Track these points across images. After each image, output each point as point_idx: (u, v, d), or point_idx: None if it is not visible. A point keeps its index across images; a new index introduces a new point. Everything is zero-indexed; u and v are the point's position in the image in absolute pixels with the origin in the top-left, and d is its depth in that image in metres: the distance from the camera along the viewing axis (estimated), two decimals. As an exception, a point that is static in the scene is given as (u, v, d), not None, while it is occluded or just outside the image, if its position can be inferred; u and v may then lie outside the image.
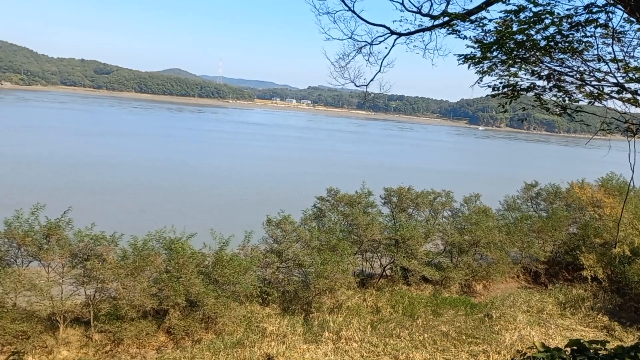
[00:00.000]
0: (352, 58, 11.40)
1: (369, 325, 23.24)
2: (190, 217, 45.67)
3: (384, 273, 30.16)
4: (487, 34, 8.13)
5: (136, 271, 20.21)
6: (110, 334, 19.73)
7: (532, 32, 7.43)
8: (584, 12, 6.82)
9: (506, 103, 8.55)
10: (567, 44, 7.35)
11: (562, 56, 7.70)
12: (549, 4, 6.92)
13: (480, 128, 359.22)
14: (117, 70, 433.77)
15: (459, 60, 9.30)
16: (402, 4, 9.92)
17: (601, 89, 7.54)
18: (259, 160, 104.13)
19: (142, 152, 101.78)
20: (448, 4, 8.86)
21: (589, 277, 30.46)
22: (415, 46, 10.60)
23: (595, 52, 7.25)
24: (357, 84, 11.97)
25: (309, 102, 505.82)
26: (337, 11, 10.58)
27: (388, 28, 10.44)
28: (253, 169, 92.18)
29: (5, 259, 20.45)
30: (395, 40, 10.59)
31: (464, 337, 22.98)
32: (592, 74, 7.62)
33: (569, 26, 7.06)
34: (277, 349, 19.91)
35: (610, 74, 7.30)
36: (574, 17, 6.91)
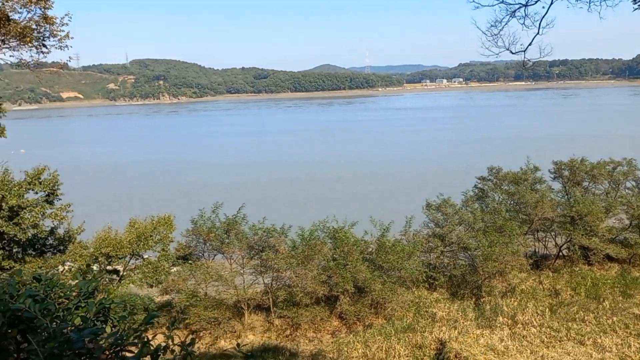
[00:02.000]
0: (506, 24, 10.57)
1: (547, 309, 21.62)
2: (350, 205, 46.95)
3: (561, 253, 27.87)
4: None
5: (306, 260, 21.33)
6: (288, 319, 21.12)
7: None
8: None
9: None
10: None
11: None
12: None
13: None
14: (273, 74, 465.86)
15: (636, 3, 8.16)
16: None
17: None
18: (410, 145, 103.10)
19: (298, 148, 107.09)
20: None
21: None
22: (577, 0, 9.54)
23: None
24: (513, 51, 11.08)
25: (461, 79, 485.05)
26: (484, -25, 9.93)
27: (544, -16, 9.55)
28: (404, 153, 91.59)
29: (195, 254, 23.08)
30: (554, -4, 9.66)
31: (663, 321, 20.27)
32: None
33: None
34: (449, 334, 19.50)
35: None
36: None
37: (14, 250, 22.60)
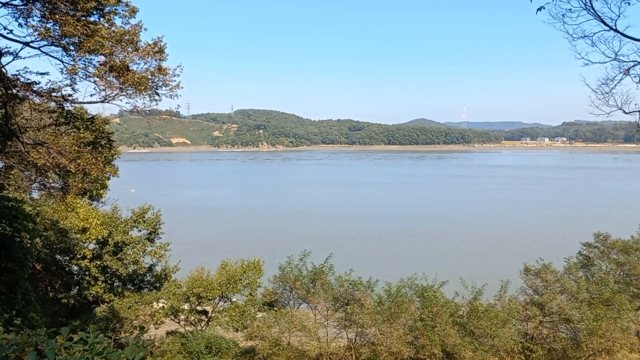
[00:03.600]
0: (619, 82, 9.95)
1: (663, 399, 19.12)
2: (440, 263, 45.38)
3: (680, 335, 24.73)
4: None
5: (392, 317, 20.61)
6: (370, 379, 20.32)
7: None
8: None
9: None
10: None
11: None
12: None
13: None
14: (368, 126, 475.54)
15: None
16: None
17: None
18: (506, 205, 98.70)
19: (389, 200, 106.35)
20: None
21: None
22: None
23: None
24: (627, 111, 10.34)
25: (564, 139, 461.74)
26: (595, 33, 9.42)
27: (663, 42, 8.93)
28: (500, 213, 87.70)
29: (280, 301, 23.18)
30: (674, 55, 9.00)
31: None
32: None
33: None
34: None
35: None
36: None
37: (115, 284, 24.03)
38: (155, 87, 11.79)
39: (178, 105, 15.08)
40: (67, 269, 23.12)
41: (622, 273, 25.85)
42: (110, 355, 4.22)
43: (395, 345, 19.82)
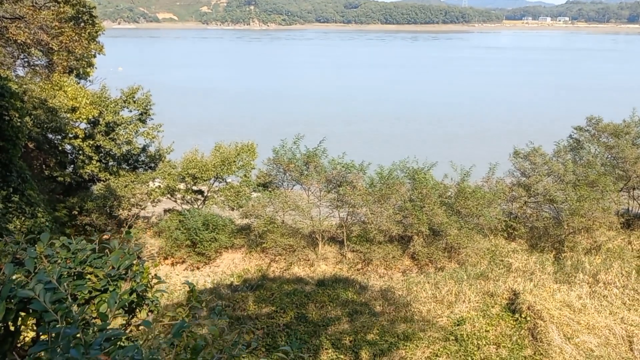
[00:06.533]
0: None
1: (634, 271, 20.44)
2: (433, 146, 45.95)
3: (656, 214, 25.91)
4: None
5: (382, 198, 21.25)
6: (360, 254, 21.45)
7: None
8: None
9: None
10: None
11: None
12: None
13: None
14: (365, 4, 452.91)
15: None
16: None
17: None
18: (499, 88, 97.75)
19: (380, 82, 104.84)
20: None
21: None
22: None
23: None
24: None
25: (567, 18, 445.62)
26: None
27: None
28: (488, 96, 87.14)
29: (275, 182, 23.67)
30: None
31: None
32: None
33: None
34: (523, 285, 19.03)
35: None
36: None
37: (110, 163, 24.22)
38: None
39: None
40: (60, 148, 23.14)
41: (609, 156, 26.30)
42: (94, 262, 4.00)
43: (385, 224, 20.65)
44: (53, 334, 2.78)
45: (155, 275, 4.21)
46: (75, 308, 3.24)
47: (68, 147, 23.45)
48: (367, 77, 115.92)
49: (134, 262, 4.05)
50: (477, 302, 17.71)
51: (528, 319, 16.26)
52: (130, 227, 22.78)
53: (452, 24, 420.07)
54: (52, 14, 11.81)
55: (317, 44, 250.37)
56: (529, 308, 16.76)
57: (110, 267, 3.94)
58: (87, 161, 23.06)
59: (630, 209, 26.95)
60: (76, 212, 21.99)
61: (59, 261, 3.91)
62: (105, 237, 4.45)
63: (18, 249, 4.10)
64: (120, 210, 22.61)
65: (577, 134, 27.97)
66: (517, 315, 16.55)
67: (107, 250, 4.20)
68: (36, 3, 12.39)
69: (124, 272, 3.95)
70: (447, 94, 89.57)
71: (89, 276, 3.85)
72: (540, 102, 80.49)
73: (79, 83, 25.34)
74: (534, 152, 24.83)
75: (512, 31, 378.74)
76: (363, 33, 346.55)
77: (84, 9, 18.44)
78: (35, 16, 11.42)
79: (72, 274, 3.85)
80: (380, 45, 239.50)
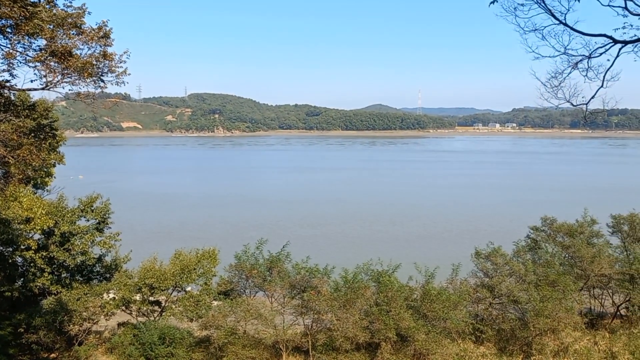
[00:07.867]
0: (567, 75, 10.25)
1: (603, 374, 20.17)
2: (395, 248, 46.15)
3: (618, 313, 26.15)
4: None
5: (348, 303, 20.77)
6: (327, 365, 20.48)
7: None
8: None
9: None
10: None
11: None
12: None
13: None
14: (325, 112, 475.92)
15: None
16: (626, 7, 8.75)
17: None
18: (454, 189, 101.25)
19: (347, 186, 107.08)
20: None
21: None
22: (646, 53, 9.24)
23: None
24: (575, 104, 10.70)
25: (514, 125, 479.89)
26: (545, 27, 9.66)
27: (610, 37, 9.25)
28: (447, 197, 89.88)
29: (237, 290, 22.98)
30: (620, 49, 9.33)
31: None
32: None
33: None
34: (495, 393, 18.42)
35: None
36: None
37: (63, 275, 23.18)
38: (100, 73, 11.22)
39: (125, 93, 14.50)
40: (10, 261, 22.07)
41: (567, 255, 26.95)
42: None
43: (351, 331, 20.02)
44: None
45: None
46: None
47: (19, 259, 22.43)
48: (326, 180, 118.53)
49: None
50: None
51: None
52: (80, 344, 21.30)
53: (408, 129, 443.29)
54: (11, 127, 11.82)
55: (278, 149, 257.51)
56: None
57: None
58: (38, 274, 21.96)
59: (592, 308, 27.18)
60: (22, 330, 20.53)
61: None
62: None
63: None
64: (71, 326, 21.23)
65: (534, 233, 28.80)
66: None
67: None
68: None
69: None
70: (407, 195, 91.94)
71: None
72: (497, 202, 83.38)
73: (35, 193, 24.84)
74: (495, 252, 25.19)
75: (464, 136, 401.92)
76: (324, 138, 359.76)
77: (46, 121, 18.57)
78: (-7, 130, 11.40)
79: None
80: (341, 150, 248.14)
